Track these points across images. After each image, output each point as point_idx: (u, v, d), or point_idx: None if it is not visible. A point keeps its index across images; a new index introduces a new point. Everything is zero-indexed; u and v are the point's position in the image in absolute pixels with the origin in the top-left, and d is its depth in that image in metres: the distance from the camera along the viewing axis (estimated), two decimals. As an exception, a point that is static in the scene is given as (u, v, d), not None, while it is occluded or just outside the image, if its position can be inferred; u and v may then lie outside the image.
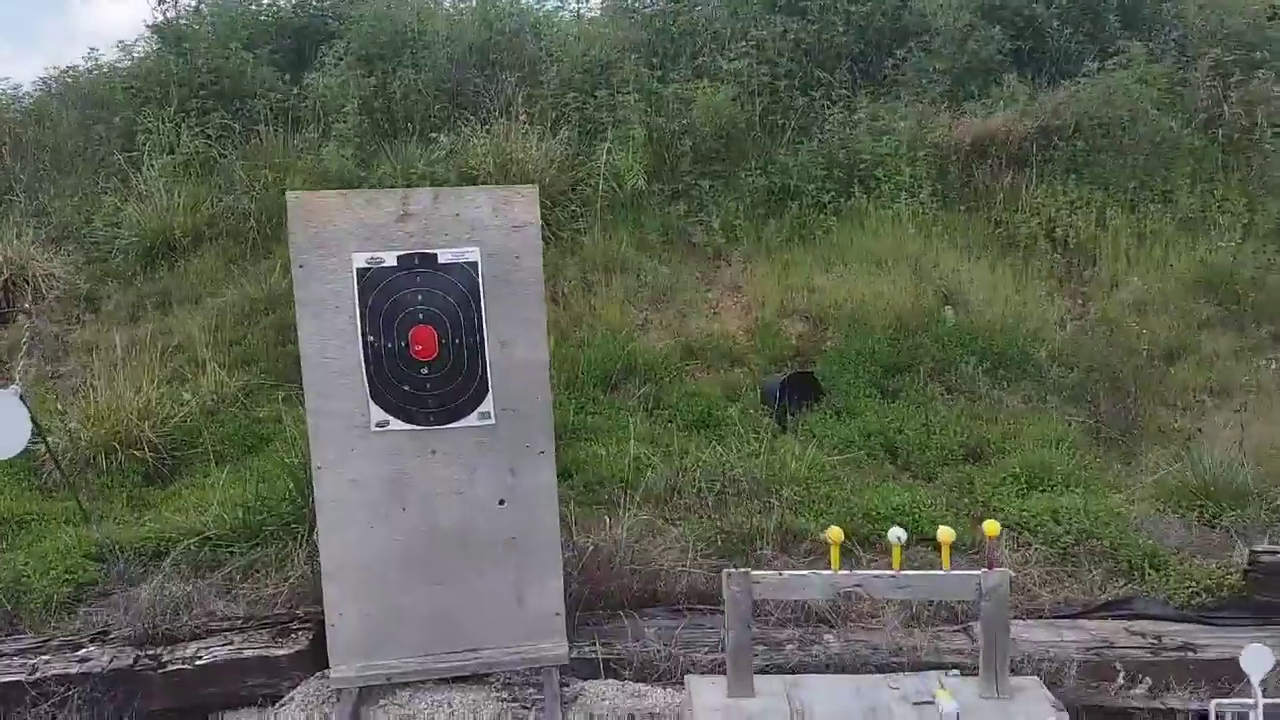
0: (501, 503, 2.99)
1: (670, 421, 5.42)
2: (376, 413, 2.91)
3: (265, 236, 7.13)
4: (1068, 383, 5.54)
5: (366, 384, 2.89)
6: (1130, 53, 7.53)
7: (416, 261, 2.85)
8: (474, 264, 2.84)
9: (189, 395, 5.60)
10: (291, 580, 3.77)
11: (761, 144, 7.83)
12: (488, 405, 2.92)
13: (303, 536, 4.02)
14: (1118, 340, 5.77)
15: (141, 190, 7.51)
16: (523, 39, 8.88)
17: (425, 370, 2.89)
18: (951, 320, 6.21)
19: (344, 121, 7.82)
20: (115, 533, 4.31)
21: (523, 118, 7.40)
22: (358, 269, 2.84)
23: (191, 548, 4.09)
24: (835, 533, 2.80)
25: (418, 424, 2.92)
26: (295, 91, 8.32)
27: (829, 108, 7.83)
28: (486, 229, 2.84)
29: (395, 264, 2.85)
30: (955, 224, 7.00)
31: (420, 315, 2.86)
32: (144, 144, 7.70)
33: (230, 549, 4.08)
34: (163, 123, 7.81)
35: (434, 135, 7.54)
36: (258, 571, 3.94)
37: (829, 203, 7.29)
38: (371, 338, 2.87)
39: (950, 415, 5.24)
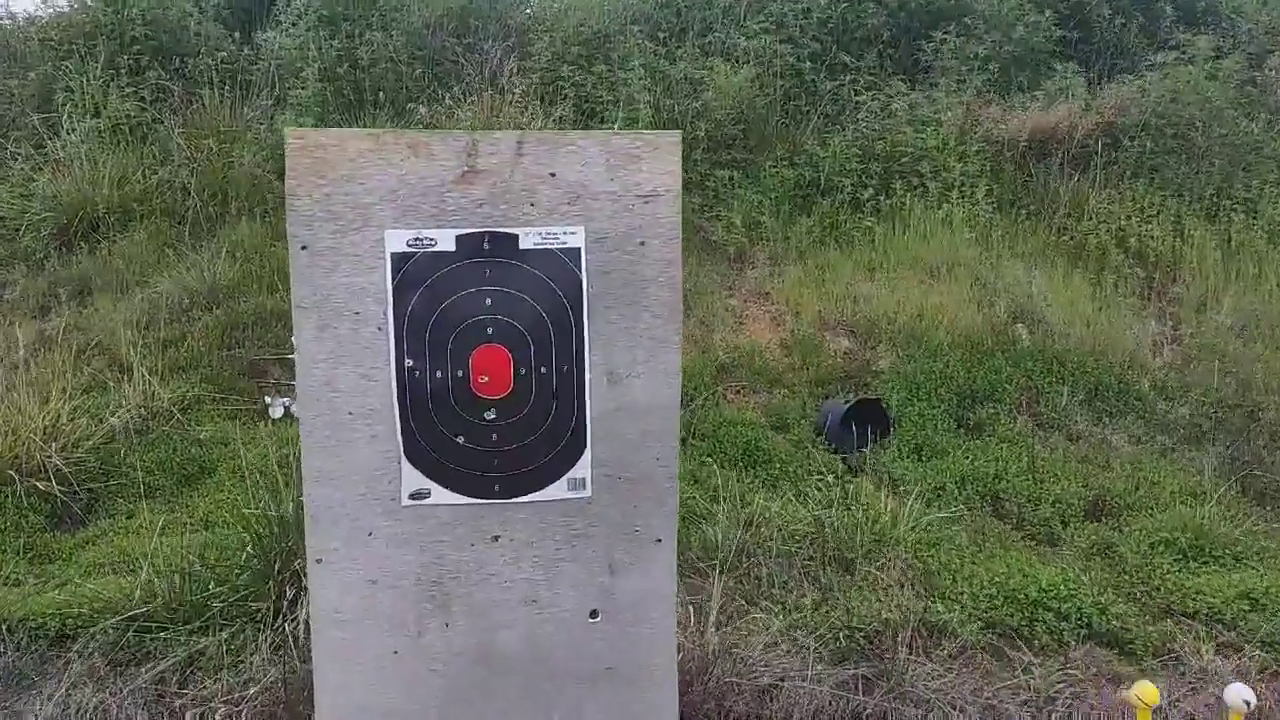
0: (594, 616, 1.97)
1: (709, 456, 4.44)
2: (412, 478, 1.87)
3: (208, 216, 5.99)
4: (1178, 420, 4.70)
5: (400, 435, 1.85)
6: (1195, 47, 6.77)
7: (486, 245, 1.82)
8: (575, 252, 1.83)
9: (111, 409, 4.46)
10: (254, 689, 2.69)
11: (786, 132, 6.89)
12: (583, 469, 1.90)
13: (267, 620, 2.95)
14: (1229, 369, 4.96)
15: (59, 158, 6.41)
16: (508, 4, 7.86)
17: (492, 414, 1.86)
18: (1026, 340, 5.33)
19: (303, 88, 6.84)
20: (3, 605, 3.18)
21: (519, 90, 6.36)
22: (394, 254, 1.80)
23: (111, 630, 2.99)
24: (1149, 692, 1.84)
25: (474, 496, 1.89)
26: (246, 52, 7.33)
27: (860, 94, 6.93)
28: (596, 198, 1.83)
29: (453, 248, 1.81)
30: (1015, 230, 6.15)
31: (489, 330, 1.83)
32: (64, 105, 6.64)
33: (164, 632, 2.99)
34: (87, 81, 6.71)
35: (410, 105, 6.46)
36: (201, 670, 2.86)
37: (867, 200, 6.39)
38: (411, 363, 1.83)
39: (1054, 458, 4.35)
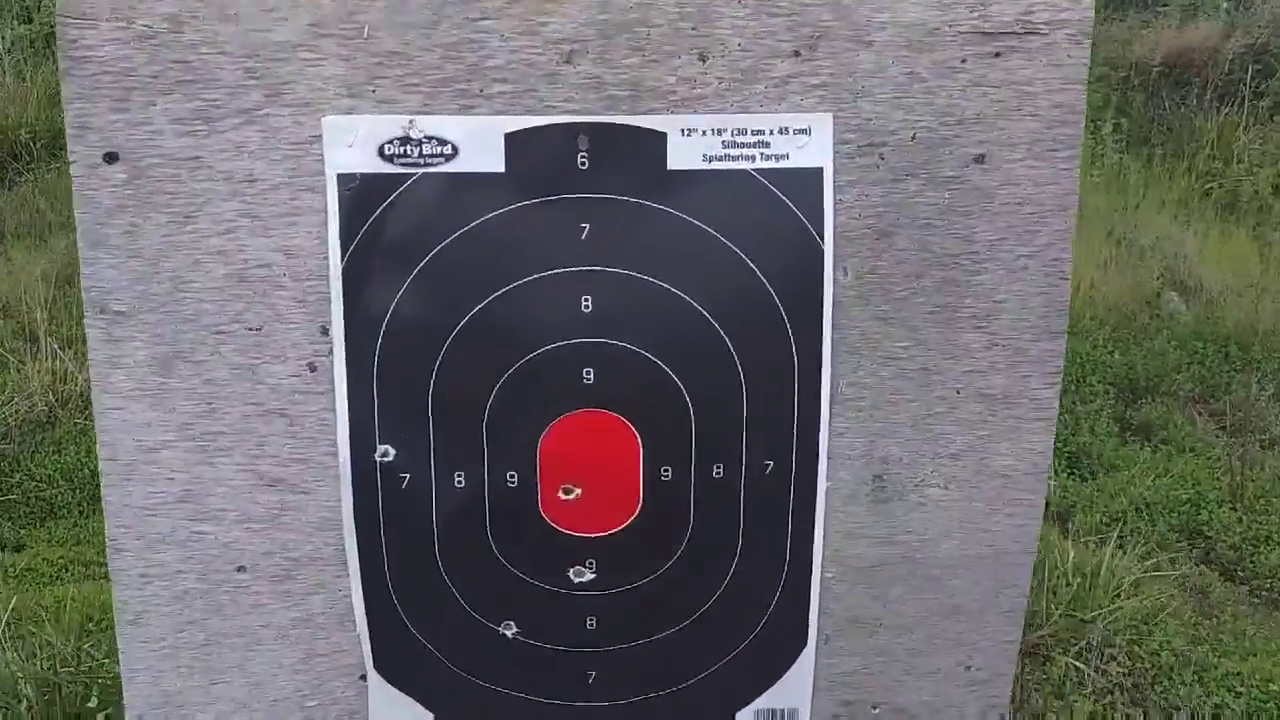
0: None
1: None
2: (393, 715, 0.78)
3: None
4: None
5: (363, 621, 0.75)
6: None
7: (583, 161, 0.70)
8: (807, 179, 0.72)
9: (6, 396, 3.34)
10: None
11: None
12: (794, 691, 0.81)
13: None
14: None
15: (-21, 70, 5.26)
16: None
17: (589, 573, 0.77)
18: (1183, 313, 4.21)
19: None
20: None
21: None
22: (344, 178, 0.69)
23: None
24: None
25: (538, 747, 0.81)
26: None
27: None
28: (866, 38, 0.70)
29: (499, 165, 0.70)
30: (1150, 174, 5.00)
31: (585, 375, 0.73)
32: (-12, 9, 5.50)
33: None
34: (18, -19, 5.54)
35: None
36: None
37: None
38: (388, 454, 0.73)
39: (1263, 477, 3.28)
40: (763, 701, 0.83)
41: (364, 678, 0.80)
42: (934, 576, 0.81)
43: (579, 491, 0.76)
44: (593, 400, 0.74)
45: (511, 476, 0.75)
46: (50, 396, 3.39)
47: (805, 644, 0.82)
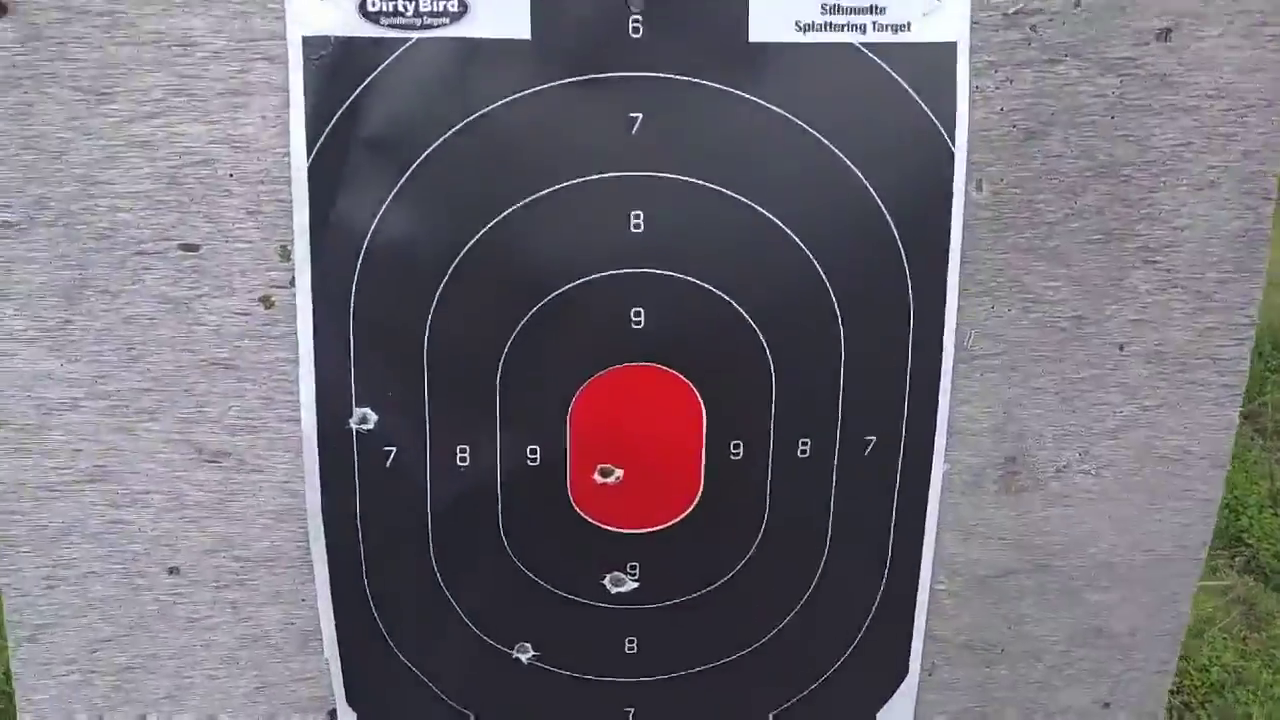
0: None
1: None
2: (374, 759, 0.60)
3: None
4: None
5: (333, 645, 0.57)
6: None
7: (636, 29, 0.52)
8: (938, 55, 0.54)
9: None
10: None
11: None
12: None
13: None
14: None
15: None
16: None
17: (629, 581, 0.59)
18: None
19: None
20: None
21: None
22: (312, 42, 0.51)
23: None
24: None
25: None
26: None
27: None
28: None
29: (523, 30, 0.52)
30: None
31: (634, 319, 0.55)
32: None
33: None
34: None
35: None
36: None
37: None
38: (366, 420, 0.55)
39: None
40: (850, 745, 0.65)
41: (332, 714, 0.61)
42: (1073, 590, 0.62)
43: (620, 473, 0.57)
44: (642, 351, 0.55)
45: (533, 452, 0.57)
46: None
47: (904, 676, 0.63)
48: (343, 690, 0.60)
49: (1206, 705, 2.13)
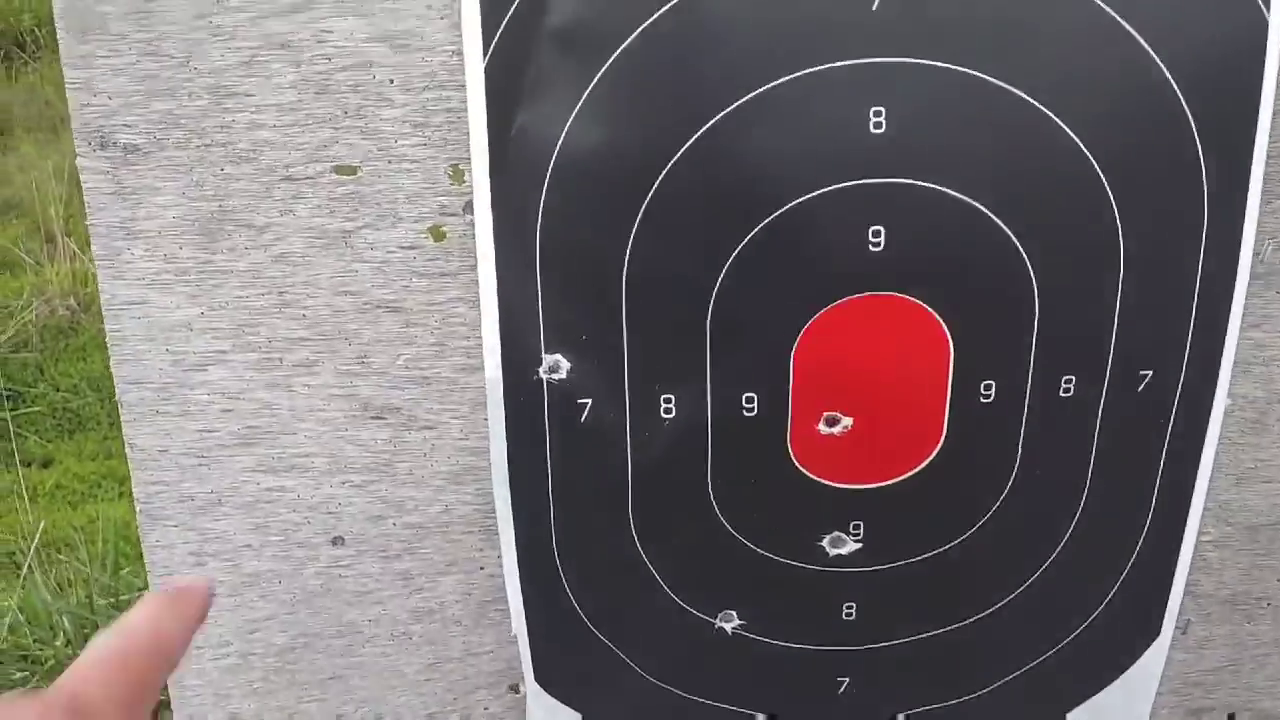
0: None
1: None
2: (562, 737, 0.54)
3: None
4: None
5: (525, 635, 0.51)
6: None
7: None
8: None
9: (25, 301, 3.12)
10: None
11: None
12: (1137, 691, 0.56)
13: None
14: None
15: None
16: None
17: (853, 537, 0.51)
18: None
19: None
20: None
21: None
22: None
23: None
24: None
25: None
26: None
27: None
28: None
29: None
30: None
31: (873, 239, 0.46)
32: None
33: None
34: None
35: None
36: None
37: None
38: (558, 367, 0.47)
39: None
40: (1083, 712, 0.58)
41: (516, 688, 0.55)
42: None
43: (849, 422, 0.49)
44: (882, 279, 0.46)
45: (749, 401, 0.48)
46: (71, 300, 3.17)
47: (1157, 635, 0.56)
48: (530, 665, 0.54)
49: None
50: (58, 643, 1.82)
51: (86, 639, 1.69)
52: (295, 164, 0.45)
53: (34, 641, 1.83)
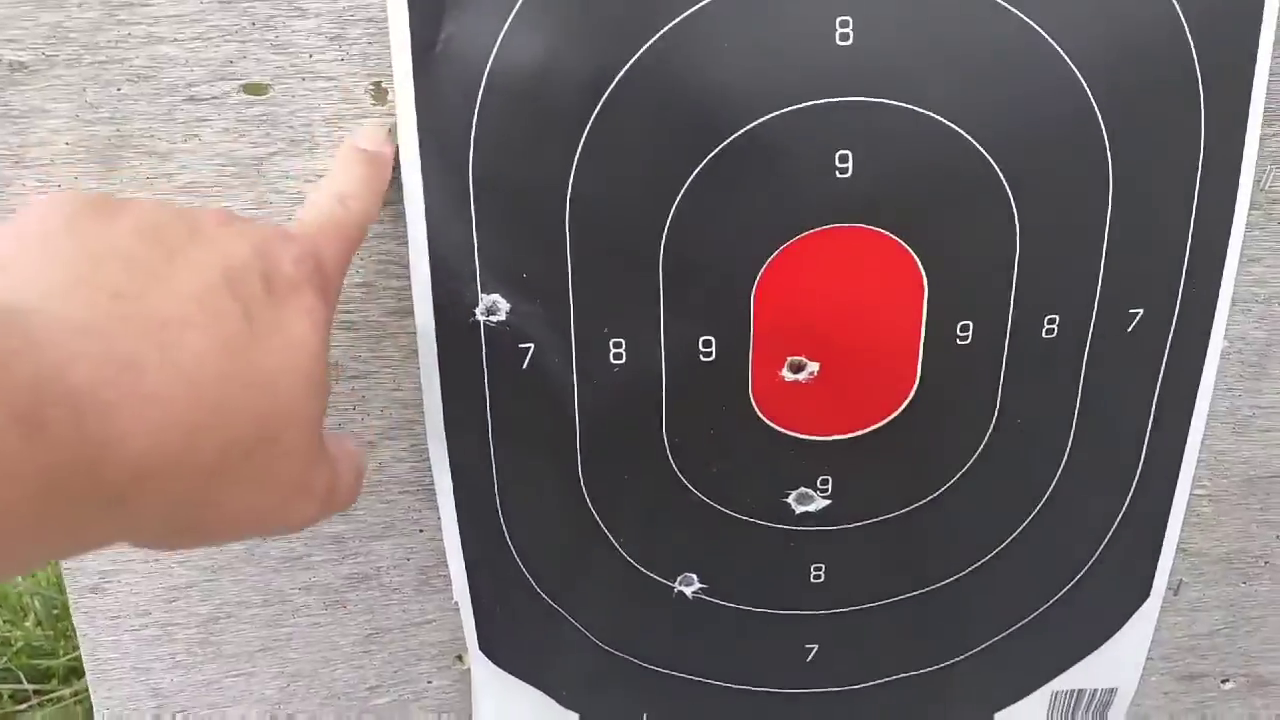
0: None
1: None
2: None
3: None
4: None
5: (468, 602, 0.47)
6: None
7: None
8: None
9: None
10: None
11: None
12: (1128, 653, 0.53)
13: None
14: None
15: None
16: None
17: (820, 494, 0.47)
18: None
19: None
20: None
21: None
22: None
23: None
24: None
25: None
26: None
27: None
28: None
29: None
30: None
31: (838, 164, 0.42)
32: None
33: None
34: None
35: None
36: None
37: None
38: (496, 309, 0.43)
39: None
40: (1067, 680, 0.54)
41: (462, 659, 0.51)
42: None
43: (815, 367, 0.45)
44: (849, 209, 0.42)
45: (706, 345, 0.44)
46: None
47: (1147, 596, 0.52)
48: (474, 634, 0.50)
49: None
50: (28, 624, 1.78)
51: (57, 619, 1.65)
52: (199, 82, 0.40)
53: (4, 623, 1.79)
